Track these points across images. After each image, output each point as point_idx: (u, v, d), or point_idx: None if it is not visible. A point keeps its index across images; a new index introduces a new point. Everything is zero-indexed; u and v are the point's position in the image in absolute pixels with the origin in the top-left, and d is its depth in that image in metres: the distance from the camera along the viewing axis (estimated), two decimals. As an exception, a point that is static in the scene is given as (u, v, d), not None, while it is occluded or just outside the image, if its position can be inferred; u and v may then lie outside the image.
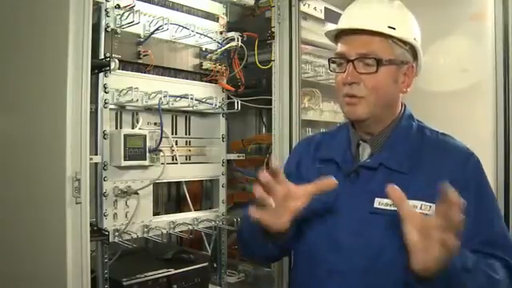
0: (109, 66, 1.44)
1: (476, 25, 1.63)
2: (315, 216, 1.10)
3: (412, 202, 0.97)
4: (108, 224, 1.48)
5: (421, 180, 1.00)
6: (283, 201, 0.95)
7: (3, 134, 1.60)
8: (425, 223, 0.80)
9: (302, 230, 1.15)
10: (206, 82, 1.81)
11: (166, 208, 2.07)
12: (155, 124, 1.66)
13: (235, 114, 1.86)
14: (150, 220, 1.60)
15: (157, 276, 1.56)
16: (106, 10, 1.47)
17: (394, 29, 1.02)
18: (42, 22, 1.40)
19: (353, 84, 1.03)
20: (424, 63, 1.11)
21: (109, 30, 1.48)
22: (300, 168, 1.21)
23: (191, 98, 1.69)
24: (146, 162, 1.55)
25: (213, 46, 1.81)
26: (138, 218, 1.55)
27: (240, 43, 1.79)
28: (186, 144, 1.81)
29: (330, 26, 1.50)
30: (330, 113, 2.12)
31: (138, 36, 1.58)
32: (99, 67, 1.45)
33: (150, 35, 1.58)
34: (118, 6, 1.49)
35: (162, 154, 1.60)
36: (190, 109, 1.72)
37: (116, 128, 1.56)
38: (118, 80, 1.50)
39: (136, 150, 1.50)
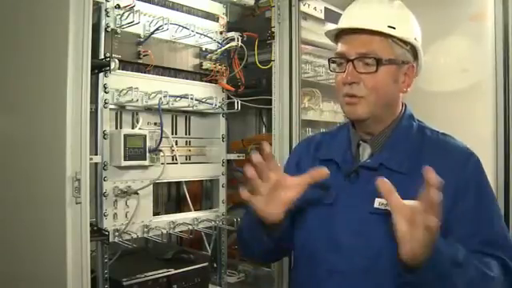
0: (109, 65, 1.44)
1: (476, 25, 1.63)
2: (315, 216, 1.11)
3: (412, 202, 0.98)
4: (108, 224, 1.48)
5: (420, 180, 1.00)
6: (276, 189, 0.97)
7: (3, 134, 1.60)
8: (413, 213, 0.81)
9: (302, 230, 1.15)
10: (205, 81, 1.81)
11: (166, 208, 2.07)
12: (155, 124, 1.66)
13: (235, 113, 1.86)
14: (149, 220, 1.60)
15: (157, 276, 1.56)
16: (106, 10, 1.47)
17: (394, 28, 1.02)
18: (42, 21, 1.40)
19: (353, 84, 1.03)
20: (424, 63, 1.11)
21: (109, 30, 1.48)
22: (300, 168, 1.20)
23: (191, 98, 1.69)
24: (146, 162, 1.55)
25: (213, 46, 1.81)
26: (137, 217, 1.55)
27: (240, 43, 1.79)
28: (186, 144, 1.81)
29: (330, 26, 1.50)
30: (329, 113, 2.12)
31: (138, 36, 1.58)
32: (99, 67, 1.45)
33: (150, 35, 1.58)
34: (118, 6, 1.49)
35: (161, 153, 1.60)
36: (190, 109, 1.72)
37: (116, 128, 1.56)
38: (117, 80, 1.50)
39: (136, 150, 1.50)
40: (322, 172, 0.98)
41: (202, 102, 1.75)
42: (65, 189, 1.21)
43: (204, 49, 1.80)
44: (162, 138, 1.58)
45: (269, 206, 0.98)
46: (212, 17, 1.83)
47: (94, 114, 1.44)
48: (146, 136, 1.54)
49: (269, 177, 0.97)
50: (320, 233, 1.08)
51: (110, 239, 1.47)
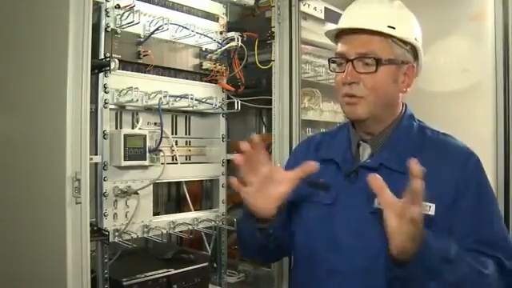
0: (109, 65, 1.44)
1: (476, 25, 1.63)
2: (315, 216, 1.11)
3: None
4: (108, 224, 1.48)
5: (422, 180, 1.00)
6: (267, 183, 0.98)
7: (3, 134, 1.60)
8: (402, 208, 0.82)
9: (302, 230, 1.15)
10: (205, 81, 1.81)
11: (166, 208, 2.07)
12: (155, 124, 1.66)
13: (235, 113, 1.86)
14: (150, 220, 1.60)
15: (157, 276, 1.56)
16: (106, 10, 1.47)
17: (393, 28, 1.02)
18: (42, 21, 1.40)
19: (352, 84, 1.03)
20: (424, 63, 1.11)
21: (109, 30, 1.48)
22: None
23: (191, 98, 1.69)
24: (146, 162, 1.55)
25: (213, 46, 1.81)
26: (138, 217, 1.55)
27: (240, 43, 1.79)
28: (186, 144, 1.81)
29: (330, 26, 1.50)
30: (330, 113, 2.12)
31: (138, 36, 1.58)
32: (99, 67, 1.45)
33: (150, 35, 1.58)
34: (118, 6, 1.49)
35: (162, 153, 1.60)
36: (190, 109, 1.72)
37: (116, 128, 1.56)
38: (117, 80, 1.50)
39: (136, 150, 1.50)
40: (312, 166, 0.99)
41: (202, 102, 1.75)
42: (65, 189, 1.21)
43: (204, 49, 1.80)
44: (161, 137, 1.58)
45: (260, 201, 0.99)
46: (212, 17, 1.82)
47: (94, 114, 1.44)
48: (145, 136, 1.54)
49: (258, 168, 0.97)
50: (320, 233, 1.08)
51: (110, 239, 1.47)
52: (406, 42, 1.04)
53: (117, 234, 1.49)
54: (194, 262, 1.71)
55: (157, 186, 1.79)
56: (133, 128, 1.60)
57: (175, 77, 1.71)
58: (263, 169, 0.98)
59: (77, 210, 1.23)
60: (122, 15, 1.50)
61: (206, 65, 1.79)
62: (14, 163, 1.51)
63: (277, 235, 1.07)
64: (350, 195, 1.05)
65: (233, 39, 1.80)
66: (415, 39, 1.06)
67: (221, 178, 1.89)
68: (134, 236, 1.53)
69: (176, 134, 1.77)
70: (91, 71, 1.29)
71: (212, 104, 1.77)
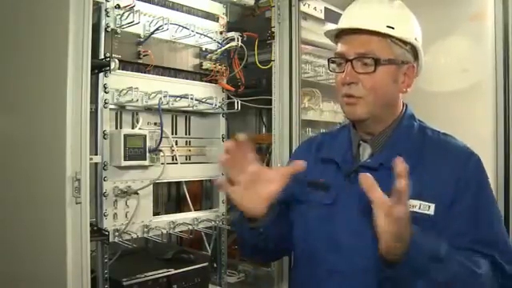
0: (109, 65, 1.44)
1: (476, 25, 1.63)
2: (315, 216, 1.11)
3: (411, 202, 0.98)
4: (108, 224, 1.48)
5: (421, 180, 1.00)
6: (255, 183, 0.97)
7: (3, 134, 1.60)
8: (390, 207, 0.82)
9: (302, 230, 1.15)
10: (206, 81, 1.81)
11: (166, 208, 2.07)
12: (155, 124, 1.66)
13: (235, 113, 1.86)
14: (150, 220, 1.60)
15: (157, 276, 1.56)
16: (106, 10, 1.47)
17: (392, 28, 1.02)
18: (42, 21, 1.40)
19: (351, 84, 1.03)
20: (424, 63, 1.11)
21: (109, 29, 1.48)
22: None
23: (191, 98, 1.69)
24: (146, 162, 1.55)
25: (213, 46, 1.81)
26: (138, 217, 1.55)
27: (240, 43, 1.79)
28: (186, 144, 1.81)
29: (330, 26, 1.50)
30: (330, 113, 2.12)
31: (138, 36, 1.58)
32: (99, 67, 1.45)
33: (150, 35, 1.58)
34: (118, 6, 1.49)
35: (162, 154, 1.60)
36: (190, 109, 1.72)
37: (116, 128, 1.56)
38: (117, 80, 1.50)
39: (136, 150, 1.50)
40: (300, 163, 0.99)
41: (202, 102, 1.75)
42: (65, 189, 1.21)
43: (204, 49, 1.80)
44: (161, 137, 1.58)
45: (249, 200, 0.98)
46: (212, 17, 1.83)
47: (94, 114, 1.44)
48: (145, 136, 1.54)
49: (245, 167, 0.96)
50: (320, 233, 1.08)
51: (110, 239, 1.47)
52: (405, 42, 1.04)
53: (117, 234, 1.49)
54: (194, 262, 1.71)
55: (157, 186, 1.79)
56: (133, 128, 1.60)
57: (175, 77, 1.71)
58: (250, 167, 0.97)
59: (77, 210, 1.23)
60: (122, 15, 1.50)
61: (206, 65, 1.79)
62: (14, 163, 1.51)
63: (267, 234, 1.06)
64: (350, 195, 1.05)
65: (233, 39, 1.80)
66: (415, 39, 1.06)
67: (221, 178, 1.88)
68: (134, 236, 1.53)
69: (176, 134, 1.77)
70: (91, 71, 1.29)
71: (212, 104, 1.77)
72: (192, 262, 1.71)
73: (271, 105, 1.84)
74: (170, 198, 2.12)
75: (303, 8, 1.89)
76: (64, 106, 1.22)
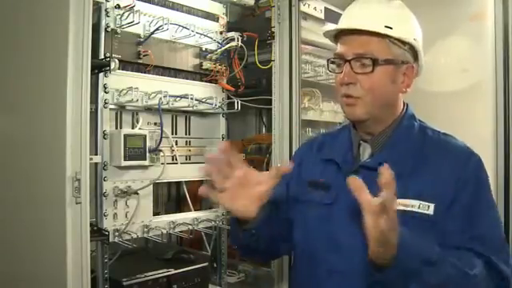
0: (109, 65, 1.44)
1: (476, 25, 1.63)
2: (315, 216, 1.11)
3: (410, 202, 0.98)
4: (108, 224, 1.48)
5: (421, 180, 1.00)
6: (244, 186, 0.97)
7: (3, 134, 1.60)
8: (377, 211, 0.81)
9: (302, 230, 1.15)
10: (206, 81, 1.81)
11: (166, 208, 2.07)
12: (155, 124, 1.66)
13: (235, 113, 1.86)
14: (150, 220, 1.60)
15: (157, 276, 1.56)
16: (106, 10, 1.47)
17: (391, 28, 1.01)
18: (42, 22, 1.40)
19: (349, 84, 1.03)
20: (424, 63, 1.11)
21: (109, 30, 1.48)
22: (301, 170, 1.21)
23: (191, 98, 1.69)
24: (146, 162, 1.55)
25: (213, 46, 1.81)
26: (138, 218, 1.55)
27: (240, 43, 1.79)
28: (186, 144, 1.81)
29: (330, 26, 1.50)
30: (330, 113, 2.12)
31: (138, 36, 1.58)
32: (99, 67, 1.45)
33: (150, 35, 1.58)
34: (118, 6, 1.49)
35: (162, 154, 1.60)
36: (190, 109, 1.72)
37: (116, 128, 1.56)
38: (117, 80, 1.50)
39: (136, 150, 1.50)
40: (286, 167, 1.00)
41: (202, 102, 1.75)
42: (65, 189, 1.21)
43: (204, 49, 1.80)
44: (161, 137, 1.58)
45: (239, 203, 0.98)
46: (212, 17, 1.83)
47: (94, 114, 1.44)
48: (145, 136, 1.54)
49: (228, 173, 0.97)
50: (320, 233, 1.08)
51: (110, 239, 1.47)
52: (404, 42, 1.04)
53: (117, 234, 1.49)
54: (194, 262, 1.71)
55: (157, 186, 1.79)
56: (133, 128, 1.60)
57: (175, 77, 1.71)
58: (237, 172, 0.97)
59: (77, 210, 1.23)
60: (122, 15, 1.50)
61: (206, 65, 1.79)
62: (14, 163, 1.51)
63: (260, 235, 1.06)
64: (350, 195, 1.05)
65: (233, 39, 1.80)
66: (414, 39, 1.05)
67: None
68: (134, 236, 1.53)
69: (176, 134, 1.77)
70: (91, 71, 1.29)
71: (212, 104, 1.77)
72: (192, 262, 1.71)
73: (271, 105, 1.84)
74: (170, 198, 2.12)
75: (303, 8, 1.89)
76: (64, 106, 1.22)
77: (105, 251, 1.47)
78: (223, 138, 1.89)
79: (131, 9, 1.50)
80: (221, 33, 1.83)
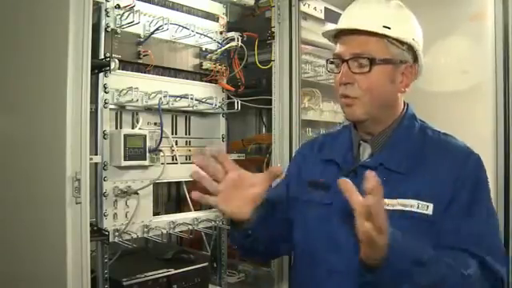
0: (109, 65, 1.44)
1: (476, 25, 1.63)
2: (315, 216, 1.11)
3: (409, 202, 0.98)
4: (108, 224, 1.48)
5: (421, 180, 1.00)
6: (237, 188, 0.98)
7: (3, 134, 1.60)
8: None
9: (301, 230, 1.15)
10: (206, 81, 1.81)
11: (166, 208, 2.07)
12: (155, 124, 1.66)
13: (235, 113, 1.86)
14: (150, 220, 1.60)
15: (157, 276, 1.56)
16: (106, 10, 1.47)
17: (389, 28, 1.01)
18: (42, 21, 1.40)
19: (348, 84, 1.03)
20: (424, 63, 1.10)
21: (109, 29, 1.48)
22: (302, 170, 1.21)
23: (191, 98, 1.69)
24: (146, 162, 1.55)
25: (213, 46, 1.81)
26: (138, 217, 1.55)
27: (240, 43, 1.79)
28: (186, 144, 1.81)
29: (330, 26, 1.50)
30: (330, 113, 2.12)
31: (138, 36, 1.58)
32: (99, 67, 1.45)
33: (150, 35, 1.58)
34: (118, 6, 1.49)
35: (162, 154, 1.60)
36: (190, 109, 1.72)
37: (116, 128, 1.56)
38: (117, 80, 1.50)
39: (136, 150, 1.50)
40: (277, 168, 1.02)
41: (202, 102, 1.75)
42: (65, 189, 1.21)
43: (204, 49, 1.80)
44: (161, 137, 1.58)
45: (233, 205, 0.99)
46: (212, 17, 1.83)
47: (94, 114, 1.44)
48: (145, 136, 1.54)
49: (220, 177, 0.98)
50: (320, 233, 1.08)
51: (110, 239, 1.47)
52: (402, 42, 1.03)
53: (117, 234, 1.49)
54: (194, 262, 1.71)
55: (157, 186, 1.79)
56: (133, 128, 1.60)
57: (175, 77, 1.71)
58: (230, 175, 0.98)
59: (77, 210, 1.23)
60: (122, 15, 1.50)
61: (206, 65, 1.79)
62: (14, 163, 1.51)
63: (257, 236, 1.06)
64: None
65: (233, 39, 1.80)
66: (413, 39, 1.05)
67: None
68: (134, 236, 1.53)
69: (176, 134, 1.77)
70: (91, 71, 1.29)
71: (212, 104, 1.77)
72: (192, 262, 1.71)
73: (271, 105, 1.84)
74: (170, 198, 2.12)
75: (303, 8, 1.89)
76: (64, 106, 1.22)
77: (105, 251, 1.47)
78: (223, 138, 1.89)
79: (131, 9, 1.50)
80: (221, 33, 1.83)
